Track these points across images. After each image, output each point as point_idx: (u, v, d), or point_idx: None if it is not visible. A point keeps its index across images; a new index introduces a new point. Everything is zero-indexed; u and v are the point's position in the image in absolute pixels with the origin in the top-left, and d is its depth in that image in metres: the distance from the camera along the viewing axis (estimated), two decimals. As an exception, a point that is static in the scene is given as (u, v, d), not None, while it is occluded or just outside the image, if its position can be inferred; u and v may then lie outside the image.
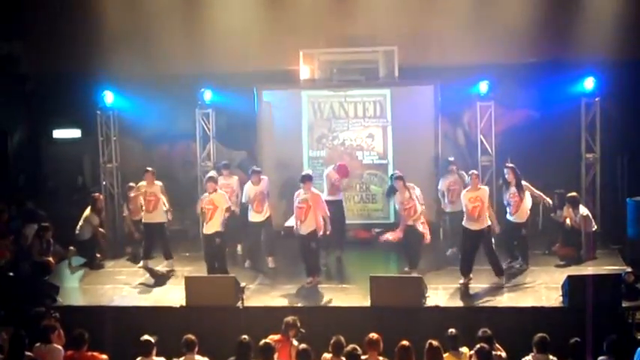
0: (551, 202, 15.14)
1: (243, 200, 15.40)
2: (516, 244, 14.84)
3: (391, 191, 14.60)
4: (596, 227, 15.39)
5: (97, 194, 16.65)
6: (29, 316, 11.97)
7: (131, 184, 16.44)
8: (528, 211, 14.73)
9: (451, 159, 16.19)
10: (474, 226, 13.85)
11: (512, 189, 14.57)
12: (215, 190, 14.38)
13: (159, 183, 15.49)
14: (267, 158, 17.23)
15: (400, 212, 14.55)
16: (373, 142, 17.43)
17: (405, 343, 10.06)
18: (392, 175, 14.97)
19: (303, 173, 14.71)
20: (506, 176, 14.65)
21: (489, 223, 13.91)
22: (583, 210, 15.27)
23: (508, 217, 14.77)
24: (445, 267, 15.01)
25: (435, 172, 16.91)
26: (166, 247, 15.66)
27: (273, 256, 15.45)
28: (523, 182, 14.54)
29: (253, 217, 15.29)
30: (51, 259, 15.37)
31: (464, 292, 13.73)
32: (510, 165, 14.73)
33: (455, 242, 15.52)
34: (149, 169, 15.54)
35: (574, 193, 15.41)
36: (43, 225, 15.56)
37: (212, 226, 14.27)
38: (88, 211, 16.15)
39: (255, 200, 15.18)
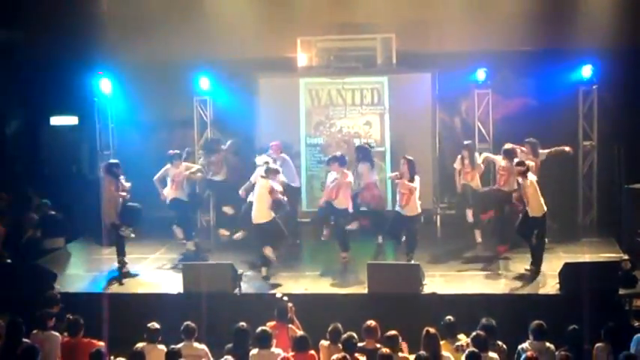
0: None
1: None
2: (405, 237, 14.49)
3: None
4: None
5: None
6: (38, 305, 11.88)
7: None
8: (419, 206, 14.38)
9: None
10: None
11: (405, 181, 14.22)
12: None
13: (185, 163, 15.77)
14: (264, 145, 17.18)
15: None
16: (370, 129, 17.45)
17: (392, 332, 10.09)
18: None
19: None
20: (401, 167, 14.40)
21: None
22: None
23: (397, 208, 14.43)
24: (442, 254, 15.05)
25: (431, 159, 16.97)
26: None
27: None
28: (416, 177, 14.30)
29: None
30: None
31: (461, 279, 13.79)
32: (408, 157, 14.48)
33: None
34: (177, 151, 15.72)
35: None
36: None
37: None
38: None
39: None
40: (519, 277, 13.81)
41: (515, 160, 14.33)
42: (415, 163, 14.29)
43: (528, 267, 13.95)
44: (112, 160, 15.28)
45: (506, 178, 14.99)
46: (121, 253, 14.83)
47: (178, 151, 15.80)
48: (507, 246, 15.14)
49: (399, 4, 17.29)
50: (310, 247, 16.16)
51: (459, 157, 15.54)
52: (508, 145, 15.17)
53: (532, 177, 13.75)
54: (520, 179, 13.78)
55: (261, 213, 13.88)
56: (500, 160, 15.17)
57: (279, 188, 14.12)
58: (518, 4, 16.69)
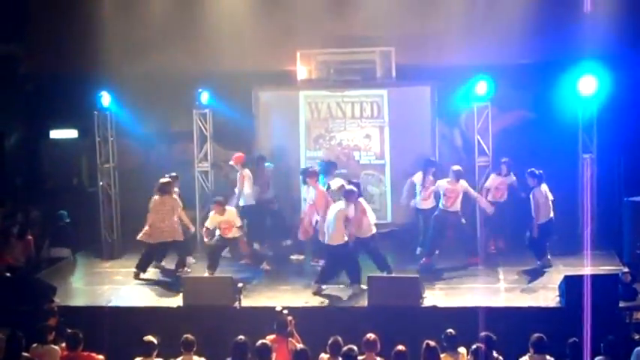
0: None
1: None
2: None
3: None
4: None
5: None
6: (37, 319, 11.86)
7: None
8: (372, 226, 14.39)
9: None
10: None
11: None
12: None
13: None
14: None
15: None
16: (370, 142, 17.46)
17: (400, 347, 10.05)
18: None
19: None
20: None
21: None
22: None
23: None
24: (442, 267, 15.05)
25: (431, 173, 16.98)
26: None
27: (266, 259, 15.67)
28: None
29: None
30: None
31: (461, 292, 13.79)
32: (355, 181, 14.82)
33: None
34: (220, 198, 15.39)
35: None
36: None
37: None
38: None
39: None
40: (519, 290, 13.82)
41: (529, 170, 14.89)
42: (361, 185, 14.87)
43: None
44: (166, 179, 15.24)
45: (454, 199, 15.12)
46: (141, 268, 15.00)
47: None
48: (478, 257, 15.35)
49: (399, 17, 17.31)
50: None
51: (421, 172, 15.69)
52: (457, 167, 15.35)
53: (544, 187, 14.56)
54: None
55: (336, 235, 13.82)
56: (445, 183, 15.22)
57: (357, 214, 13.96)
58: (517, 17, 16.69)
